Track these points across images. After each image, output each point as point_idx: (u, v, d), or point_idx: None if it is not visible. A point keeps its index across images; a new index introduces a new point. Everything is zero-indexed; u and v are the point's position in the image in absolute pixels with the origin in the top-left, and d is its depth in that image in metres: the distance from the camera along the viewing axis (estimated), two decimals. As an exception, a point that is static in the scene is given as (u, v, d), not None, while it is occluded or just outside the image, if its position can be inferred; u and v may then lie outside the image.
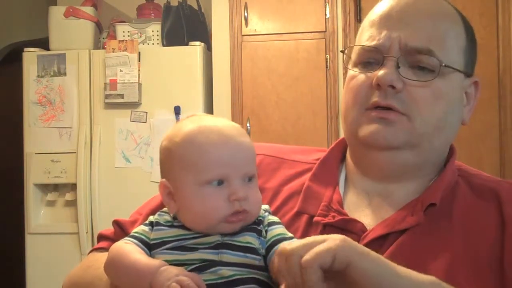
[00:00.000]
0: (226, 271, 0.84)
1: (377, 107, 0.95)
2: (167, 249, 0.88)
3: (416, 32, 0.95)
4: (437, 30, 0.96)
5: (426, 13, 0.97)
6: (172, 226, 0.90)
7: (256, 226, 0.89)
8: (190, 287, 0.78)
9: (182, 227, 0.90)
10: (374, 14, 1.00)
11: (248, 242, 0.87)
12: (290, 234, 0.89)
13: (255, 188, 0.91)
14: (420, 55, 0.94)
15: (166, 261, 0.86)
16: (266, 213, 0.92)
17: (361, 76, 0.98)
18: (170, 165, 0.91)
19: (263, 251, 0.87)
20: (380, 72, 0.94)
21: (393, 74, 0.93)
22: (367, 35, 0.99)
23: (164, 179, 0.92)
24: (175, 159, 0.90)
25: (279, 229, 0.89)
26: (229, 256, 0.85)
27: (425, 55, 0.94)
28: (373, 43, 0.97)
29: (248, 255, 0.86)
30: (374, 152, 0.97)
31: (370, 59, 0.97)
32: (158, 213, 0.95)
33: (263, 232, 0.89)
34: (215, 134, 0.89)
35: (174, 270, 0.81)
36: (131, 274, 0.85)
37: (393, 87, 0.93)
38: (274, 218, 0.92)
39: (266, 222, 0.90)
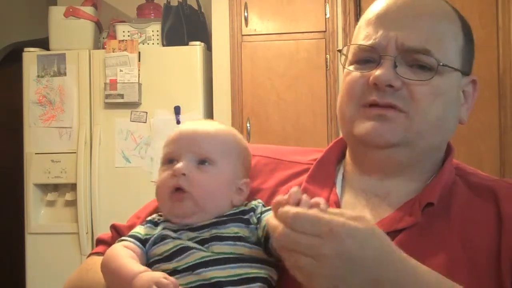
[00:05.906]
0: (209, 273, 0.85)
1: (375, 105, 0.94)
2: (153, 243, 0.92)
3: (413, 32, 0.95)
4: (435, 31, 0.96)
5: (424, 13, 0.97)
6: (162, 221, 0.95)
7: (241, 216, 0.92)
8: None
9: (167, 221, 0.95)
10: (371, 13, 0.99)
11: (236, 233, 0.90)
12: None
13: (208, 173, 0.94)
14: (417, 55, 0.94)
15: (160, 254, 0.89)
16: (260, 204, 0.95)
17: (357, 73, 0.97)
18: None
19: (253, 239, 0.89)
20: (377, 72, 0.94)
21: (391, 74, 0.93)
22: (363, 34, 0.98)
23: None
24: None
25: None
26: (218, 246, 0.88)
27: (423, 54, 0.94)
28: (370, 42, 0.96)
29: (237, 243, 0.88)
30: (371, 150, 0.96)
31: (366, 58, 0.97)
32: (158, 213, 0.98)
33: (253, 219, 0.91)
34: (178, 131, 0.99)
35: (154, 274, 0.83)
36: (115, 278, 0.88)
37: (391, 86, 0.93)
38: (268, 207, 0.93)
39: (259, 210, 0.93)
